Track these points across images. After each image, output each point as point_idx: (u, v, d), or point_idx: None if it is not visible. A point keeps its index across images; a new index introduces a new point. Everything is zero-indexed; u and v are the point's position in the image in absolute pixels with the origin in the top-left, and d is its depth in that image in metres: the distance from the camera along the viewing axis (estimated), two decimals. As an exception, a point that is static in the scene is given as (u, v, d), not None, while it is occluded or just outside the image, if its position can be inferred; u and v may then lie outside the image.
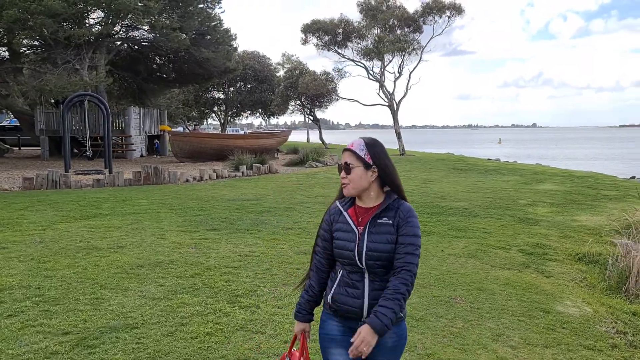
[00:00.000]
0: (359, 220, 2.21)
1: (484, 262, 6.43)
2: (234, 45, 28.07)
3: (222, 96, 46.45)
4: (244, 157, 17.86)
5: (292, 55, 46.19)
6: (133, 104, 29.07)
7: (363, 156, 2.18)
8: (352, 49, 30.43)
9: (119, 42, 27.06)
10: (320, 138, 37.69)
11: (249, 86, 44.62)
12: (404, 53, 28.38)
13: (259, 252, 6.51)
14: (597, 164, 29.22)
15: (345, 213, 2.24)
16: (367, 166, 2.18)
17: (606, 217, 9.36)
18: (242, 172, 16.76)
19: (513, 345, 4.02)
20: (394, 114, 29.16)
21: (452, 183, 14.42)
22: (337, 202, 2.32)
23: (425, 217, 9.17)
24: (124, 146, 23.76)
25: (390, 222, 2.14)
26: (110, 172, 15.52)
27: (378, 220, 2.15)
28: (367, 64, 30.00)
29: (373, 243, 2.12)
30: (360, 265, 2.14)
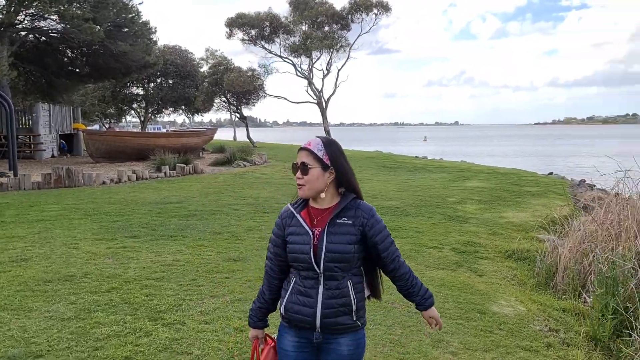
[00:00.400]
0: (315, 222, 2.13)
1: (418, 262, 6.34)
2: (154, 39, 26.78)
3: (141, 92, 44.44)
4: (167, 157, 17.01)
5: (217, 51, 44.98)
6: (42, 100, 27.03)
7: (321, 156, 2.10)
8: (280, 44, 30.07)
9: (23, 33, 25.00)
10: (248, 136, 36.98)
11: (170, 82, 42.95)
12: (332, 50, 28.39)
13: (184, 260, 6.04)
14: (517, 160, 30.75)
15: (298, 215, 2.15)
16: (324, 167, 2.10)
17: (531, 213, 9.67)
18: (165, 173, 15.94)
19: (453, 352, 3.88)
20: (323, 111, 29.14)
21: (382, 181, 14.47)
22: (289, 205, 2.22)
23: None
24: (32, 146, 21.93)
25: (350, 222, 2.08)
26: (15, 175, 14.23)
27: (337, 221, 2.08)
28: (295, 60, 29.79)
29: (332, 244, 2.05)
30: (317, 270, 2.06)
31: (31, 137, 22.09)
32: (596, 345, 4.37)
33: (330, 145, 2.15)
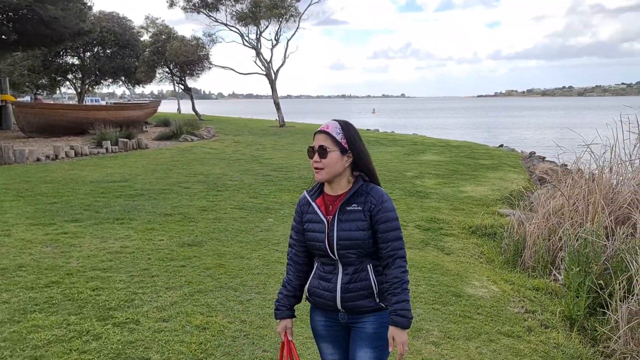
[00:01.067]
0: (329, 209, 2.12)
1: (384, 242, 6.09)
2: (88, 4, 25.01)
3: (77, 62, 41.83)
4: (108, 131, 16.00)
5: (158, 19, 42.74)
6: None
7: (340, 140, 2.07)
8: (226, 12, 28.83)
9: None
10: (194, 109, 35.68)
11: (108, 51, 40.63)
12: (281, 19, 27.50)
13: (133, 247, 5.52)
14: (466, 132, 31.25)
15: (313, 204, 2.16)
16: (343, 150, 2.07)
17: (489, 187, 9.64)
18: (107, 149, 14.98)
19: (435, 342, 3.64)
20: (272, 83, 28.35)
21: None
22: (305, 192, 2.23)
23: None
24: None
25: (360, 208, 2.05)
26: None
27: (347, 208, 2.07)
28: (243, 29, 28.68)
29: (344, 232, 2.05)
30: (333, 257, 2.09)
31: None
32: (572, 326, 4.27)
33: (348, 128, 2.11)
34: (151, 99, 41.06)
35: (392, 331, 2.03)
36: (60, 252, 5.27)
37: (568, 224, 5.30)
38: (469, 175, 10.88)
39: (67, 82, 45.24)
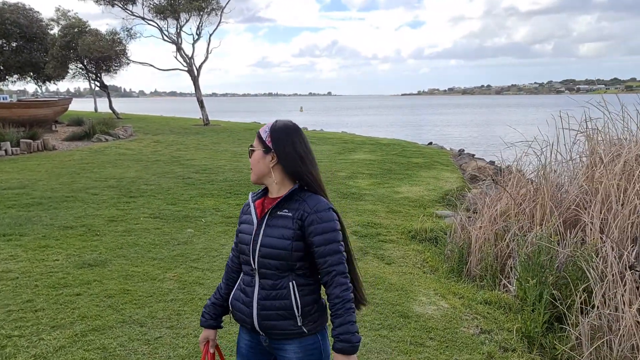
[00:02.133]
0: (264, 212, 1.95)
1: (319, 252, 5.47)
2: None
3: (-21, 56, 38.20)
4: (8, 131, 14.33)
5: (69, 11, 39.80)
6: None
7: (264, 139, 1.92)
8: (143, 5, 27.17)
9: None
10: (111, 107, 33.49)
11: (14, 45, 37.41)
12: (202, 13, 26.27)
13: (19, 270, 4.55)
14: (394, 130, 31.36)
15: (252, 204, 1.98)
16: (266, 150, 1.91)
17: (424, 186, 9.29)
18: (5, 151, 13.35)
19: (385, 378, 3.06)
20: (195, 79, 27.03)
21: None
22: (250, 194, 2.06)
23: (244, 199, 7.93)
24: None
25: (290, 214, 1.86)
26: None
27: (278, 212, 1.89)
28: (161, 23, 27.14)
29: (267, 237, 1.87)
30: (252, 265, 1.90)
31: None
32: (530, 344, 3.84)
33: (277, 129, 1.93)
34: (62, 96, 38.12)
35: (337, 359, 1.79)
36: None
37: (516, 227, 4.92)
38: (403, 174, 10.52)
39: (-34, 78, 41.32)
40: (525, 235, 4.69)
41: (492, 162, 13.02)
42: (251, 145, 1.94)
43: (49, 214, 6.71)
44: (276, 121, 1.97)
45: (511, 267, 4.75)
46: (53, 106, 20.94)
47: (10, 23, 35.60)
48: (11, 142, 13.83)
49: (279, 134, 1.91)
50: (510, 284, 4.59)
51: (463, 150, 15.93)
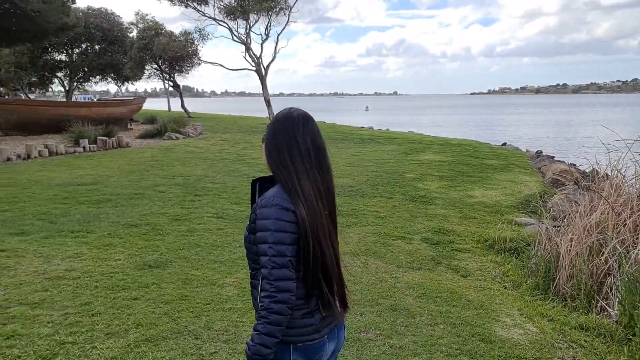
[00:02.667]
0: None
1: (387, 260, 5.09)
2: (72, -4, 23.84)
3: (65, 59, 40.63)
4: (86, 129, 14.91)
5: (147, 15, 41.40)
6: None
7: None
8: (214, 6, 27.73)
9: None
10: (182, 106, 34.52)
11: (97, 47, 39.48)
12: (271, 13, 26.43)
13: (81, 269, 4.49)
14: (465, 130, 30.19)
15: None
16: (263, 140, 1.86)
17: (500, 191, 8.64)
18: (84, 148, 13.89)
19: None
20: (262, 79, 27.28)
21: (330, 155, 13.13)
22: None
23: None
24: None
25: (254, 207, 1.76)
26: None
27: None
28: (231, 24, 27.59)
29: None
30: None
31: None
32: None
33: (277, 117, 1.84)
34: (137, 96, 39.69)
35: None
36: (-14, 278, 4.23)
37: (616, 241, 4.31)
38: (476, 177, 9.88)
39: (56, 80, 44.03)
40: (628, 251, 4.08)
41: (573, 165, 12.05)
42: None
43: (116, 211, 6.74)
44: (286, 109, 1.86)
45: (610, 287, 4.15)
46: (128, 105, 21.76)
47: (94, 27, 37.56)
48: (89, 139, 14.38)
49: (274, 123, 1.82)
50: (611, 307, 4.00)
51: (541, 152, 14.90)
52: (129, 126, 22.11)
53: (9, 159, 12.10)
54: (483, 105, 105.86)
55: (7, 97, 31.69)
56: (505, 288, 4.64)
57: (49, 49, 38.81)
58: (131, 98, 26.73)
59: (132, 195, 7.84)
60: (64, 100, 37.96)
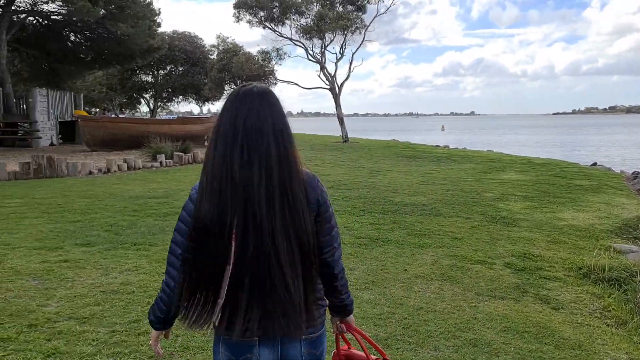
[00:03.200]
0: None
1: (465, 287, 4.54)
2: (157, 21, 25.11)
3: (151, 80, 42.98)
4: (164, 145, 15.36)
5: (228, 38, 43.05)
6: (46, 87, 25.66)
7: None
8: (290, 26, 28.16)
9: (22, 15, 23.53)
10: (258, 124, 35.27)
11: (180, 69, 41.46)
12: (346, 32, 26.41)
13: (137, 283, 4.32)
14: (549, 150, 28.47)
15: None
16: None
17: (593, 213, 7.75)
18: (161, 163, 14.30)
19: None
20: (336, 97, 27.22)
21: (403, 173, 12.61)
22: None
23: (378, 218, 7.23)
24: (28, 133, 20.38)
25: None
26: (-9, 164, 12.68)
27: None
28: (307, 43, 27.85)
29: None
30: None
31: (28, 124, 20.54)
32: None
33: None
34: (213, 114, 41.01)
35: None
36: (44, 288, 4.16)
37: None
38: (565, 198, 8.98)
39: (143, 100, 46.68)
40: None
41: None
42: None
43: (181, 225, 6.64)
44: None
45: None
46: (205, 122, 22.40)
47: (178, 50, 39.55)
48: (166, 154, 14.79)
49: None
50: None
51: (638, 173, 13.53)
52: (205, 143, 22.74)
53: (91, 173, 12.63)
54: (568, 126, 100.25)
55: (95, 115, 33.83)
56: (608, 325, 3.95)
57: (137, 71, 41.26)
58: (208, 116, 27.59)
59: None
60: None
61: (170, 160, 14.64)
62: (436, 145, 24.67)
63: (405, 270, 4.95)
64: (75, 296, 3.99)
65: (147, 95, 45.35)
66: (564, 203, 8.49)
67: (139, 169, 13.71)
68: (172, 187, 10.16)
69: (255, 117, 1.47)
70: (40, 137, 20.40)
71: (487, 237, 6.32)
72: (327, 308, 1.70)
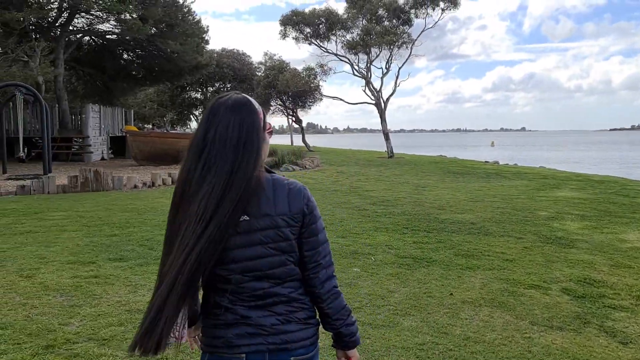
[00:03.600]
0: None
1: (517, 315, 4.11)
2: (206, 38, 25.62)
3: (200, 96, 44.00)
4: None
5: (275, 55, 43.58)
6: (101, 103, 26.60)
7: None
8: (336, 42, 28.16)
9: (79, 35, 24.55)
10: (303, 140, 35.30)
11: (228, 86, 42.25)
12: (392, 47, 26.13)
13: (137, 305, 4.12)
14: (608, 167, 27.04)
15: None
16: None
17: (663, 235, 7.07)
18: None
19: None
20: (382, 112, 26.89)
21: (450, 189, 12.11)
22: None
23: (422, 236, 6.83)
24: (81, 148, 21.06)
25: None
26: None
27: None
28: (353, 58, 27.72)
29: None
30: None
31: (82, 139, 21.24)
32: None
33: None
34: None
35: None
36: (69, 305, 4.02)
37: None
38: (628, 218, 8.28)
39: (192, 117, 47.81)
40: None
41: None
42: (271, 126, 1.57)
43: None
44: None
45: None
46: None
47: (227, 66, 40.36)
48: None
49: None
50: None
51: None
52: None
53: (135, 187, 12.77)
54: (627, 142, 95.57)
55: (145, 130, 34.77)
56: (687, 366, 3.43)
57: (187, 88, 42.35)
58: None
59: (238, 224, 7.60)
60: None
61: (214, 175, 14.68)
62: (485, 161, 23.87)
63: (451, 294, 4.55)
64: (99, 315, 3.82)
65: (196, 112, 46.38)
66: (627, 223, 7.81)
67: (183, 183, 13.80)
68: (213, 201, 10.09)
69: (223, 129, 1.42)
70: (92, 152, 21.01)
71: (542, 260, 5.81)
72: (318, 327, 1.58)
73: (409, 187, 12.54)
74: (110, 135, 23.50)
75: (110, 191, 12.18)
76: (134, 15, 19.34)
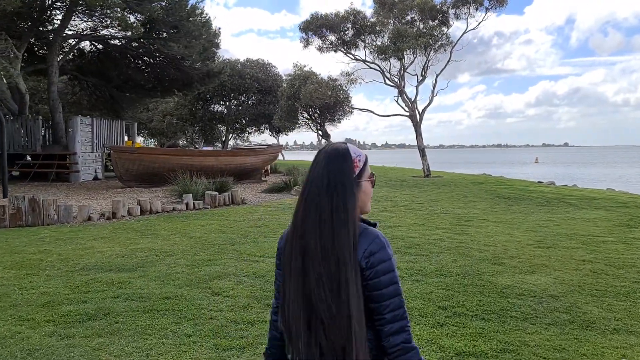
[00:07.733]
0: None
1: None
2: (216, 41, 22.95)
3: (223, 110, 41.61)
4: (194, 182, 12.50)
5: (305, 66, 40.69)
6: (108, 117, 24.28)
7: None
8: (365, 47, 25.06)
9: (76, 39, 22.30)
10: (330, 156, 32.24)
11: (253, 98, 39.72)
12: (428, 50, 22.84)
13: None
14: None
15: None
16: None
17: None
18: (187, 205, 11.35)
19: None
20: (416, 125, 23.49)
21: (504, 224, 8.72)
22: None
23: (472, 327, 3.56)
24: (67, 166, 18.47)
25: None
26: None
27: None
28: (383, 65, 24.53)
29: None
30: None
31: (68, 156, 18.68)
32: None
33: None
34: (271, 143, 38.32)
35: None
36: None
37: None
38: None
39: (214, 131, 45.33)
40: None
41: None
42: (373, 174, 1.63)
43: (115, 340, 3.38)
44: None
45: None
46: (261, 154, 19.45)
47: (250, 77, 37.83)
48: (194, 194, 11.88)
49: None
50: None
51: None
52: (263, 177, 19.85)
53: (90, 219, 9.90)
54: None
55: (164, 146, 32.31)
56: None
57: (210, 101, 40.02)
58: (264, 146, 24.83)
59: (164, 298, 4.53)
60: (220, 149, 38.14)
61: (200, 202, 11.68)
62: (539, 182, 20.16)
63: None
64: None
65: (221, 127, 43.81)
66: None
67: (157, 212, 10.85)
68: (165, 248, 7.07)
69: (317, 171, 1.53)
70: (78, 171, 18.41)
71: None
72: None
73: (448, 220, 9.21)
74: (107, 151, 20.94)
75: (52, 225, 9.35)
76: (125, 14, 16.80)
